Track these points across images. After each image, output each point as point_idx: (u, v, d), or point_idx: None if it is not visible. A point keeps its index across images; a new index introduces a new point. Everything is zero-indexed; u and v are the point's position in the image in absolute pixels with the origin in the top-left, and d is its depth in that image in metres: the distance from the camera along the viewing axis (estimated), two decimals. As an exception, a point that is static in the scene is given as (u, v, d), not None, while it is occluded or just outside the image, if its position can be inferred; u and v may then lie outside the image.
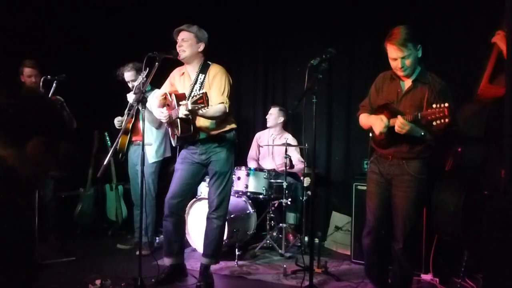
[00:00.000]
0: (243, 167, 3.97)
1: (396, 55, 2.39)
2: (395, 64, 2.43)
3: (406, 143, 2.45)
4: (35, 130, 1.07)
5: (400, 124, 2.30)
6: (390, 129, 2.41)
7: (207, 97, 2.62)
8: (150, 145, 3.79)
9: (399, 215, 2.49)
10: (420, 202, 2.53)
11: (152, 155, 3.82)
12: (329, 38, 4.29)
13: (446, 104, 2.15)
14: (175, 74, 3.18)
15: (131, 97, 3.63)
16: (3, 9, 4.07)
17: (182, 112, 2.72)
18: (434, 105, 2.20)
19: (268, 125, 4.38)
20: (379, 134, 2.45)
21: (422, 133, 2.34)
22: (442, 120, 2.16)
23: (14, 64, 3.79)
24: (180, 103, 2.77)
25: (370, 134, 2.60)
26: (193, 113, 2.71)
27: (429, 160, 2.52)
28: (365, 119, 2.64)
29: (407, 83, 2.51)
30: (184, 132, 2.90)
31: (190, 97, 2.75)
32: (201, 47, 3.02)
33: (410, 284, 2.67)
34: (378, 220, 2.58)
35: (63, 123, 1.18)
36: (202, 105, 2.59)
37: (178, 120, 2.86)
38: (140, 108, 2.84)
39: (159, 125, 3.76)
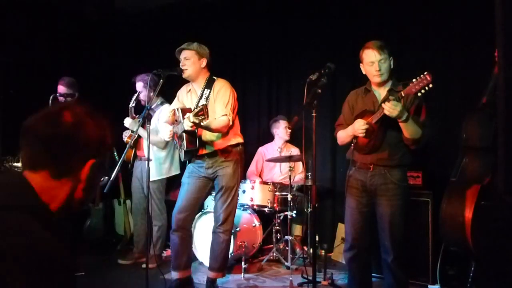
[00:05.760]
0: (248, 180, 4.01)
1: (375, 58, 2.49)
2: (372, 69, 2.51)
3: (388, 149, 2.50)
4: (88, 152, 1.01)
5: (390, 105, 2.30)
6: (373, 131, 2.47)
7: (207, 109, 2.70)
8: (151, 161, 3.81)
9: (387, 224, 2.49)
10: (406, 210, 2.54)
11: (153, 172, 3.75)
12: (333, 52, 4.35)
13: (426, 72, 2.23)
14: (183, 91, 3.25)
15: (127, 121, 3.71)
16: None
17: (186, 124, 2.78)
18: (414, 79, 2.27)
19: (286, 138, 4.41)
20: (362, 133, 2.47)
21: (407, 114, 2.35)
22: (427, 88, 2.22)
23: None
24: (185, 116, 2.84)
25: (352, 145, 2.62)
26: (196, 125, 2.77)
27: (408, 169, 2.61)
28: (344, 132, 2.67)
29: (382, 93, 2.57)
30: (190, 146, 2.96)
31: (193, 110, 2.83)
32: (204, 62, 3.10)
33: None
34: (359, 234, 2.59)
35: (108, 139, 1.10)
36: (203, 117, 2.66)
37: (184, 134, 2.92)
38: (146, 124, 2.90)
39: (164, 145, 3.82)
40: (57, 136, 0.97)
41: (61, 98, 3.91)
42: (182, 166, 3.93)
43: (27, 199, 0.94)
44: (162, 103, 3.84)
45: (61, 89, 3.96)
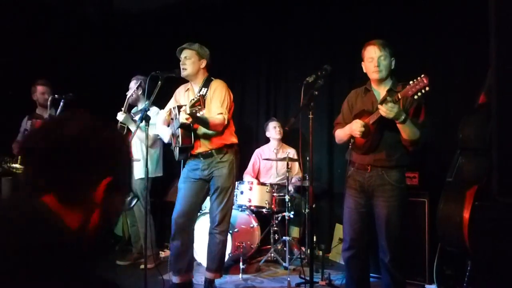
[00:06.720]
0: (246, 181, 4.02)
1: (375, 54, 2.50)
2: (371, 65, 2.52)
3: (385, 149, 2.51)
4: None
5: (386, 107, 2.31)
6: (370, 132, 2.48)
7: (203, 99, 2.68)
8: (138, 161, 3.80)
9: (383, 225, 2.50)
10: (403, 211, 2.54)
11: (138, 171, 3.79)
12: (332, 53, 4.37)
13: (422, 75, 2.22)
14: (180, 90, 3.26)
15: (121, 116, 3.68)
16: (14, 32, 4.24)
17: (182, 117, 2.76)
18: (411, 82, 2.27)
19: (277, 137, 4.43)
20: (360, 133, 2.47)
21: (405, 116, 2.35)
22: (423, 91, 2.22)
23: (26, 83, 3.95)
24: (181, 110, 2.83)
25: (350, 145, 2.63)
26: (193, 117, 2.73)
27: (406, 170, 2.60)
28: (341, 131, 2.68)
29: (382, 93, 2.57)
30: (185, 142, 2.96)
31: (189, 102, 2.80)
32: (203, 63, 3.12)
33: None
34: (357, 234, 2.59)
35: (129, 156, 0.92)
36: (199, 107, 2.65)
37: (179, 130, 2.93)
38: (144, 125, 2.90)
39: (152, 143, 3.81)
40: (58, 152, 0.79)
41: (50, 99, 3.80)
42: (172, 168, 3.96)
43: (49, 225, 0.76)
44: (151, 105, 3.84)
45: (47, 90, 3.91)
